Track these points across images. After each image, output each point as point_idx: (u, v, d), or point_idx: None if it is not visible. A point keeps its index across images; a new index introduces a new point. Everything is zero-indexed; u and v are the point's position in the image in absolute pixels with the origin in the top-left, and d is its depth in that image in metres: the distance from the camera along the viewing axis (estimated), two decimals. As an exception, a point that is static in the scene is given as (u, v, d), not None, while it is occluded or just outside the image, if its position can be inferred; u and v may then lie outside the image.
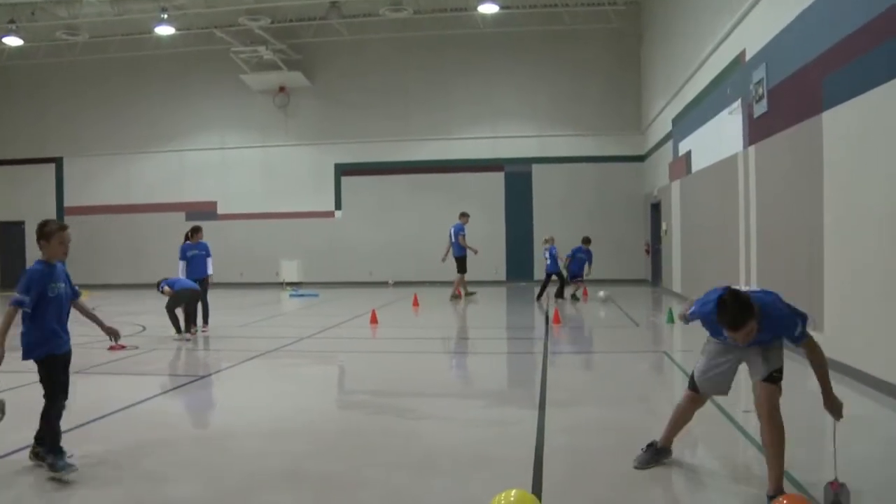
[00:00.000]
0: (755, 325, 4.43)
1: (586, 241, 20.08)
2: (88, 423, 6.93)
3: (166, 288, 12.96)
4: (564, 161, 26.10)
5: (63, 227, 5.81)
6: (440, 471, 5.53)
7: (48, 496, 5.07)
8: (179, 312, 12.85)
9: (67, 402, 5.75)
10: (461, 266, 20.04)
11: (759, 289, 4.99)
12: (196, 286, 13.23)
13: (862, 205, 8.04)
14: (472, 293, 20.72)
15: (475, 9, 23.86)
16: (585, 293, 20.16)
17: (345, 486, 5.22)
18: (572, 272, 19.85)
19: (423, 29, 26.12)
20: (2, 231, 29.63)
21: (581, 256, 19.81)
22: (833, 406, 4.67)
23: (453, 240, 19.80)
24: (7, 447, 5.94)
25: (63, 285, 5.75)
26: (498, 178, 26.64)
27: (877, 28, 7.53)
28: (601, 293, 19.57)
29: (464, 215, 20.19)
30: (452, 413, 7.28)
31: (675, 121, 19.21)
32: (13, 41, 24.59)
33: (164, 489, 5.24)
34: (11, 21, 23.31)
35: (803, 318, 4.65)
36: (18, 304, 5.47)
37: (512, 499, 3.96)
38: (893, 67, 7.12)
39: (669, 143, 20.10)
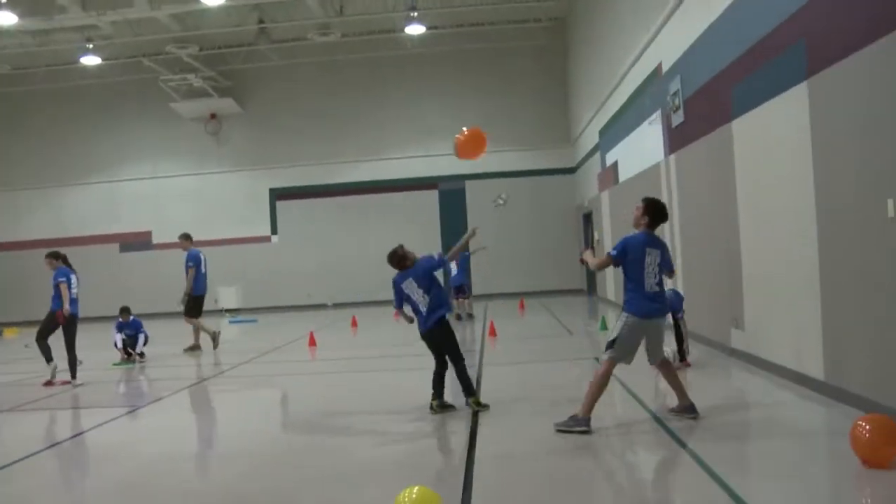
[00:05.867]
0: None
1: None
2: (28, 456, 6.92)
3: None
4: (497, 176, 26.40)
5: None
6: (374, 482, 5.67)
7: None
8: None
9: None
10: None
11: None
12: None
13: (770, 206, 8.45)
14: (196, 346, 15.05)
15: (402, 30, 24.12)
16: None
17: (282, 501, 5.35)
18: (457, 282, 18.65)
19: (352, 52, 26.34)
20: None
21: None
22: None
23: (204, 270, 15.10)
24: None
25: None
26: (432, 196, 26.91)
27: (774, 41, 7.95)
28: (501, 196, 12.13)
29: (186, 238, 15.17)
30: (387, 427, 7.44)
31: (601, 132, 19.70)
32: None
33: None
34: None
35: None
36: None
37: (414, 495, 4.25)
38: (790, 78, 7.54)
39: (597, 155, 20.58)
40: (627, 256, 6.63)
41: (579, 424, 6.42)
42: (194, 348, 14.78)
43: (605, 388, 6.63)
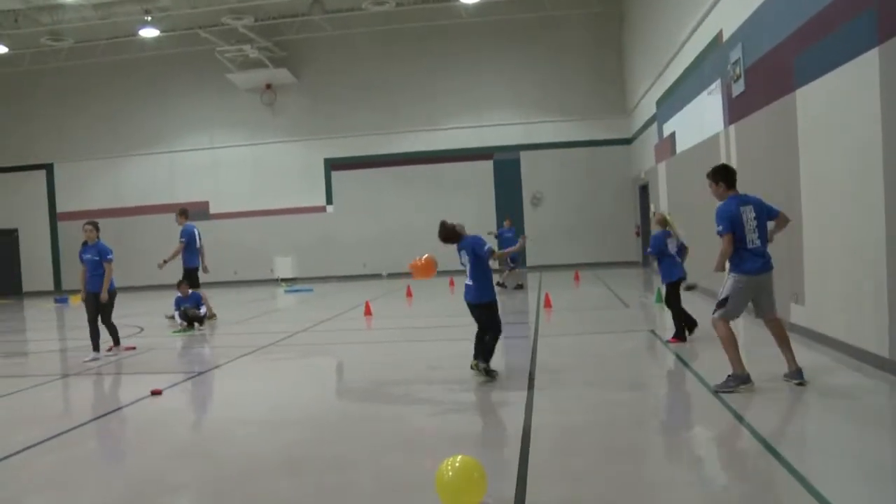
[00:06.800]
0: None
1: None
2: (92, 420, 7.13)
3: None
4: (552, 146, 26.29)
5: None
6: (428, 451, 5.73)
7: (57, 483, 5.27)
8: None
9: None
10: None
11: None
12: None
13: (834, 178, 8.24)
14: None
15: (457, -1, 24.00)
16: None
17: (338, 468, 5.43)
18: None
19: (407, 21, 26.25)
20: (-4, 239, 29.73)
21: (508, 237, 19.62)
22: None
23: (199, 244, 15.41)
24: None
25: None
26: (486, 167, 26.81)
27: (839, 8, 7.72)
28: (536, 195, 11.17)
29: (182, 213, 15.77)
30: (443, 397, 7.48)
31: (658, 103, 19.39)
32: (-2, 49, 24.73)
33: (164, 477, 5.44)
34: (-5, 29, 23.45)
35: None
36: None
37: (457, 463, 4.36)
38: (859, 45, 7.32)
39: (654, 125, 20.28)
40: (735, 223, 6.87)
41: (738, 381, 6.64)
42: (210, 316, 15.16)
43: (736, 341, 6.85)
